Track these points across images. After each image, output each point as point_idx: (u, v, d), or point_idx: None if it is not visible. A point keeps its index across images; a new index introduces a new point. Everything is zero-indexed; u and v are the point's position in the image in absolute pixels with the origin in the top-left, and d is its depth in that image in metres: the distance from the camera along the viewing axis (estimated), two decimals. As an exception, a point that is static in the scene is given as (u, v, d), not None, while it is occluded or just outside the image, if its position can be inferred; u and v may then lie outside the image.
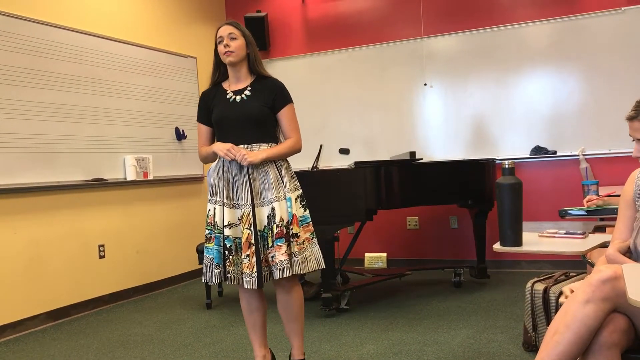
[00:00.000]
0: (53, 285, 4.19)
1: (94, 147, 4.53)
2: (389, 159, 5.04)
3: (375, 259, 5.58)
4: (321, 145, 4.75)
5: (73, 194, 4.39)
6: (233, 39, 2.58)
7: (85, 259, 4.47)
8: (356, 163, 4.03)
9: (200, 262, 4.35)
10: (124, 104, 4.85)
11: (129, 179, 4.80)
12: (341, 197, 3.87)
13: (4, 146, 3.86)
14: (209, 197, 2.64)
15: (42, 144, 4.12)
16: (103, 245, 4.62)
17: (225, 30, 2.59)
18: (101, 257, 4.60)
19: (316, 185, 3.87)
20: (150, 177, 5.02)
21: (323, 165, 5.38)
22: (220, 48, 2.59)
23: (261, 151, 2.54)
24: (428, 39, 5.41)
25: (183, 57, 5.59)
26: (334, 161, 5.65)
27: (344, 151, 4.69)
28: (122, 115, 4.81)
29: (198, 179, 5.76)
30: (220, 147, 2.54)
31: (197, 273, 5.59)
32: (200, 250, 4.35)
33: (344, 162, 5.56)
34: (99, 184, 4.58)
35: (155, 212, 5.19)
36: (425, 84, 5.43)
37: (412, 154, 4.37)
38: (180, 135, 5.45)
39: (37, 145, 4.09)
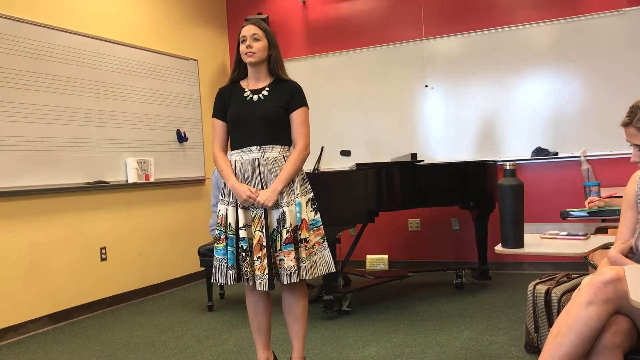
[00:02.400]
0: (55, 288, 4.19)
1: (95, 149, 4.54)
2: (390, 160, 5.04)
3: (376, 260, 5.58)
4: (322, 147, 4.75)
5: (75, 197, 4.40)
6: (256, 39, 2.58)
7: (87, 261, 4.47)
8: (357, 165, 4.03)
9: (202, 264, 4.35)
10: (126, 107, 4.85)
11: (130, 181, 4.81)
12: (342, 199, 3.87)
13: (6, 149, 3.87)
14: (221, 197, 2.64)
15: (44, 146, 4.13)
16: (105, 248, 4.62)
17: (249, 30, 2.59)
18: (103, 259, 4.60)
19: (317, 187, 3.85)
20: (152, 180, 5.02)
21: (324, 167, 5.37)
22: (242, 47, 2.59)
23: (276, 184, 2.51)
24: (429, 40, 5.41)
25: (184, 59, 5.60)
26: (335, 163, 5.65)
27: (345, 153, 4.70)
28: (123, 118, 4.82)
29: (199, 182, 5.76)
30: (238, 192, 2.52)
31: (199, 275, 5.59)
32: (202, 253, 4.34)
33: (345, 164, 5.56)
34: (100, 187, 4.58)
35: (157, 215, 5.19)
36: (426, 86, 5.43)
37: (414, 155, 4.37)
38: (181, 138, 5.45)
39: (39, 147, 4.09)
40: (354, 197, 3.88)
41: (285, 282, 2.52)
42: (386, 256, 5.56)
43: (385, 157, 5.49)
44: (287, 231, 2.50)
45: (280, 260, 2.51)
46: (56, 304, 4.19)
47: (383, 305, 4.17)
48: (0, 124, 3.84)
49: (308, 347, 3.26)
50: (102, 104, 4.62)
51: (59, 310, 4.21)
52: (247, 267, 2.54)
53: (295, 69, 5.86)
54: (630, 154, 2.04)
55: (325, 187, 3.86)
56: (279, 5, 6.08)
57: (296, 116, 2.62)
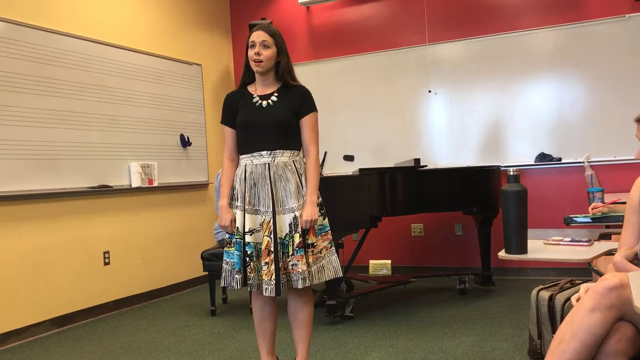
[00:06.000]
0: (58, 291, 4.20)
1: (99, 153, 4.55)
2: (393, 165, 5.04)
3: (379, 266, 5.56)
4: (325, 152, 4.75)
5: (78, 201, 4.41)
6: (265, 47, 2.55)
7: (90, 265, 4.47)
8: (361, 170, 4.03)
9: (205, 268, 4.35)
10: (129, 111, 4.87)
11: (134, 185, 4.81)
12: (345, 203, 3.87)
13: (10, 153, 3.88)
14: (230, 202, 2.64)
15: (48, 150, 4.14)
16: (108, 252, 4.63)
17: (259, 36, 2.56)
18: (106, 263, 4.61)
19: (321, 192, 3.85)
20: (155, 184, 5.03)
21: (327, 172, 5.38)
22: (250, 53, 2.58)
23: (311, 197, 2.54)
24: (433, 46, 5.42)
25: (188, 64, 5.62)
26: (338, 168, 5.65)
27: (349, 158, 4.70)
28: (127, 122, 4.83)
29: (203, 186, 5.77)
30: (222, 216, 2.61)
31: (202, 280, 5.59)
32: (205, 257, 4.35)
33: (349, 169, 5.56)
34: (104, 191, 4.59)
35: (160, 219, 5.19)
36: (429, 91, 5.44)
37: (417, 160, 4.37)
38: (185, 142, 5.46)
39: (43, 152, 4.10)
40: (357, 202, 3.88)
41: (300, 287, 2.51)
42: (389, 261, 5.54)
43: (389, 162, 5.48)
44: (300, 235, 2.51)
45: (293, 265, 2.51)
46: (59, 308, 4.20)
47: (386, 311, 4.16)
48: (4, 128, 3.85)
49: (310, 352, 3.25)
50: (105, 108, 4.64)
51: (62, 314, 4.21)
52: (250, 272, 2.54)
53: (299, 74, 5.81)
54: (634, 159, 2.04)
55: (328, 192, 3.86)
56: (283, 11, 6.10)
57: (306, 122, 2.62)
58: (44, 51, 4.15)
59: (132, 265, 4.85)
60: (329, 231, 2.64)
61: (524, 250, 2.19)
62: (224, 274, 2.61)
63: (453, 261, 5.41)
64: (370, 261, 5.62)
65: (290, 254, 2.52)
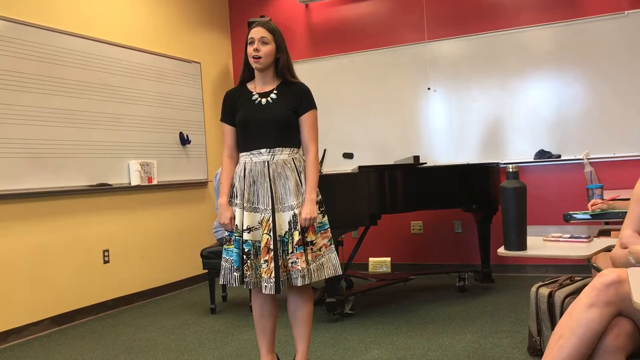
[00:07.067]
0: (57, 290, 4.20)
1: (98, 152, 4.55)
2: (393, 163, 5.04)
3: (379, 263, 5.57)
4: (325, 150, 4.76)
5: (78, 199, 4.41)
6: (264, 43, 2.55)
7: (90, 264, 4.47)
8: (360, 167, 4.03)
9: (205, 266, 4.35)
10: (129, 109, 4.86)
11: (133, 184, 4.81)
12: (345, 201, 3.87)
13: (10, 151, 3.88)
14: (230, 200, 2.64)
15: (47, 149, 4.14)
16: (107, 251, 4.63)
17: (258, 32, 2.55)
18: (105, 262, 4.61)
19: (320, 190, 3.85)
20: (155, 182, 5.03)
21: (327, 169, 5.38)
22: (250, 50, 2.57)
23: (310, 195, 2.54)
24: (431, 43, 5.41)
25: (187, 62, 5.61)
26: (338, 165, 5.65)
27: (348, 156, 4.70)
28: (126, 121, 4.83)
29: (202, 184, 5.77)
30: (222, 214, 2.60)
31: (202, 278, 5.59)
32: (204, 255, 4.35)
33: (348, 167, 5.57)
34: (103, 189, 4.59)
35: (160, 217, 5.19)
36: (429, 88, 5.43)
37: (416, 158, 4.37)
38: (184, 140, 5.46)
39: (42, 150, 4.10)
40: (356, 199, 3.88)
41: (299, 285, 2.51)
42: (389, 259, 5.55)
43: (388, 160, 5.48)
44: (299, 233, 2.51)
45: (292, 262, 2.51)
46: (59, 306, 4.20)
47: (386, 308, 4.17)
48: (5, 126, 3.85)
49: (310, 350, 3.25)
50: (105, 106, 4.63)
51: (62, 312, 4.22)
52: (247, 270, 2.54)
53: (298, 72, 5.82)
54: (635, 155, 2.04)
55: (328, 189, 3.85)
56: (281, 8, 6.09)
57: (306, 119, 2.62)
58: (44, 50, 4.14)
59: (131, 264, 4.85)
60: (329, 229, 2.64)
61: (523, 247, 2.19)
62: (223, 272, 2.61)
63: (452, 258, 5.42)
64: (370, 259, 5.62)
65: (289, 251, 2.52)
